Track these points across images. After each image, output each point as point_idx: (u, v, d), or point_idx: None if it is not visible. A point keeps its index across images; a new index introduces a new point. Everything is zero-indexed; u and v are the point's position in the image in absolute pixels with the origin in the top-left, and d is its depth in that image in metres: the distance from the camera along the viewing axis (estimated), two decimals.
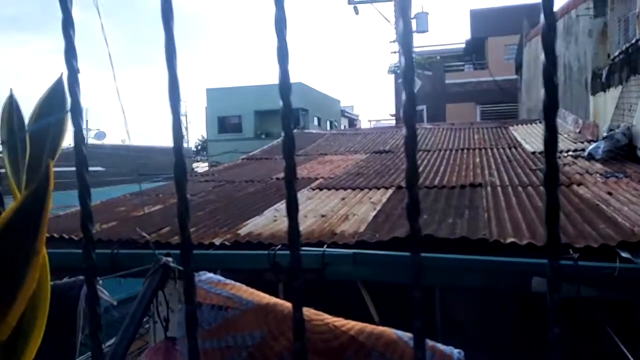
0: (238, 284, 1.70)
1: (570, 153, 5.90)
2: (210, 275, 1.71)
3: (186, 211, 0.70)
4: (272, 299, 1.60)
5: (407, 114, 0.59)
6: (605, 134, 5.54)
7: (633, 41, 5.32)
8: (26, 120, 0.83)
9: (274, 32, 0.63)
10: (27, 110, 0.87)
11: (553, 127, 0.53)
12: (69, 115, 0.79)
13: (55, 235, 3.56)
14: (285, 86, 0.63)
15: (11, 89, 0.75)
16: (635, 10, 5.33)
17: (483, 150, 6.81)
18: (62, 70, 0.79)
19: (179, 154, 0.72)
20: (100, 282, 1.72)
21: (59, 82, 0.80)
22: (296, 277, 0.71)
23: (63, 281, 1.66)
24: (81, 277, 1.87)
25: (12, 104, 0.73)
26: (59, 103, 0.79)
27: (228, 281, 1.69)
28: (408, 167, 0.60)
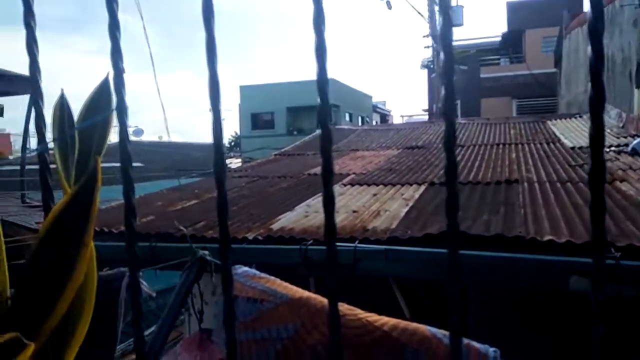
0: (273, 277, 1.72)
1: (612, 148, 5.67)
2: (246, 269, 1.74)
3: (225, 208, 0.72)
4: (306, 293, 1.62)
5: (447, 108, 0.58)
6: None
7: None
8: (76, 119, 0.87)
9: (312, 29, 0.63)
10: (72, 108, 0.91)
11: (600, 122, 0.52)
12: (114, 113, 0.82)
13: (97, 228, 3.70)
14: (322, 83, 0.63)
15: (62, 90, 0.79)
16: None
17: (519, 146, 6.63)
18: (105, 70, 0.83)
19: (219, 151, 0.73)
20: (141, 273, 1.78)
21: (105, 82, 0.83)
22: (331, 272, 0.72)
23: (106, 272, 1.73)
24: (122, 269, 1.94)
25: (63, 104, 0.77)
26: (106, 102, 0.82)
27: (263, 275, 1.71)
28: (447, 162, 0.60)
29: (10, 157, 14.66)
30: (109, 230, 3.62)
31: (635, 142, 5.27)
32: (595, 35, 0.51)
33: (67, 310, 0.70)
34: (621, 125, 7.06)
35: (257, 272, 1.73)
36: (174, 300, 1.64)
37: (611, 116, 7.86)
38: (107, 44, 0.69)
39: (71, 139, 0.76)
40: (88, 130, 0.78)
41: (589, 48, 0.51)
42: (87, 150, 0.78)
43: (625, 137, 6.15)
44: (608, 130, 6.90)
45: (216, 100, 0.71)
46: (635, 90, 6.59)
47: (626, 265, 2.32)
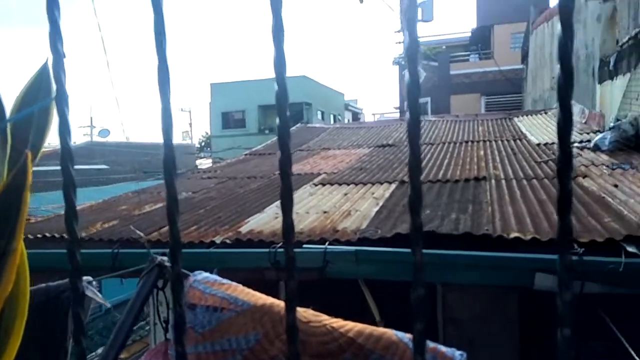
0: (234, 283, 1.65)
1: (575, 144, 5.82)
2: (206, 275, 1.67)
3: (175, 206, 0.66)
4: (269, 300, 1.56)
5: (411, 99, 0.54)
6: (611, 124, 5.45)
7: None
8: (9, 111, 0.78)
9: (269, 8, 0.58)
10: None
11: (568, 110, 0.49)
12: (53, 103, 0.74)
13: (56, 235, 3.54)
14: (280, 65, 0.58)
15: None
16: None
17: (487, 143, 6.74)
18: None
19: (168, 145, 0.67)
20: (94, 283, 1.68)
21: (44, 69, 0.75)
22: (291, 276, 0.67)
23: (55, 283, 1.62)
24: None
25: None
26: (45, 91, 0.74)
27: (224, 281, 1.64)
28: (411, 155, 0.56)
29: None
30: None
31: (597, 138, 5.41)
32: (565, 14, 0.47)
33: None
34: (584, 121, 7.25)
35: (218, 278, 1.66)
36: (128, 311, 1.55)
37: (574, 112, 8.04)
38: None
39: (2, 133, 0.68)
40: (23, 123, 0.70)
41: (559, 26, 0.48)
42: (23, 145, 0.70)
43: (587, 133, 6.33)
44: None
45: (166, 88, 0.64)
46: (598, 87, 6.78)
47: (589, 261, 2.35)
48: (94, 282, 1.67)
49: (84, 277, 1.64)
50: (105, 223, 3.81)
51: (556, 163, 0.48)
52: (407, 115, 0.50)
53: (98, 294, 1.59)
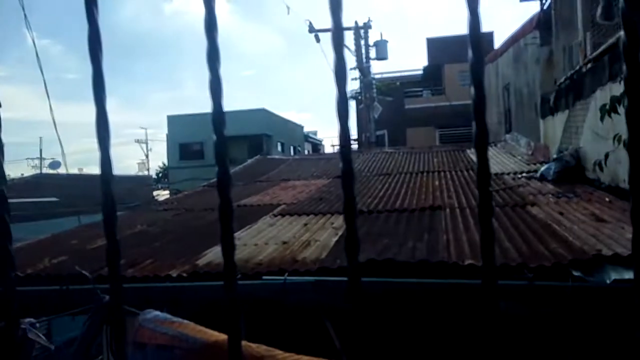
0: (185, 321, 1.62)
1: (524, 174, 6.11)
2: (157, 313, 1.63)
3: (116, 251, 0.66)
4: (221, 336, 1.53)
5: (343, 140, 0.57)
6: (555, 156, 5.78)
7: (577, 68, 5.63)
8: None
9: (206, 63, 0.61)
10: None
11: (484, 158, 0.53)
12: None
13: None
14: (219, 117, 0.61)
15: None
16: (578, 39, 5.66)
17: (442, 173, 6.97)
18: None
19: (107, 187, 0.67)
20: (38, 325, 1.61)
21: None
22: (235, 318, 0.68)
23: None
24: (25, 319, 1.75)
25: None
26: None
27: (175, 319, 1.61)
28: (345, 201, 0.59)
29: None
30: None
31: (543, 168, 5.71)
32: (476, 72, 0.52)
33: None
34: (530, 153, 7.65)
35: (169, 316, 1.62)
36: (74, 353, 1.48)
37: (521, 145, 8.51)
38: (19, 71, 0.61)
39: None
40: None
41: (472, 89, 0.53)
42: None
43: (534, 164, 6.67)
44: (519, 158, 7.46)
45: (104, 133, 0.65)
46: (541, 121, 7.19)
47: (539, 286, 2.46)
48: (37, 324, 1.60)
49: (27, 319, 1.56)
50: (54, 258, 3.65)
51: (477, 208, 0.52)
52: (341, 165, 0.52)
53: (41, 336, 1.52)
